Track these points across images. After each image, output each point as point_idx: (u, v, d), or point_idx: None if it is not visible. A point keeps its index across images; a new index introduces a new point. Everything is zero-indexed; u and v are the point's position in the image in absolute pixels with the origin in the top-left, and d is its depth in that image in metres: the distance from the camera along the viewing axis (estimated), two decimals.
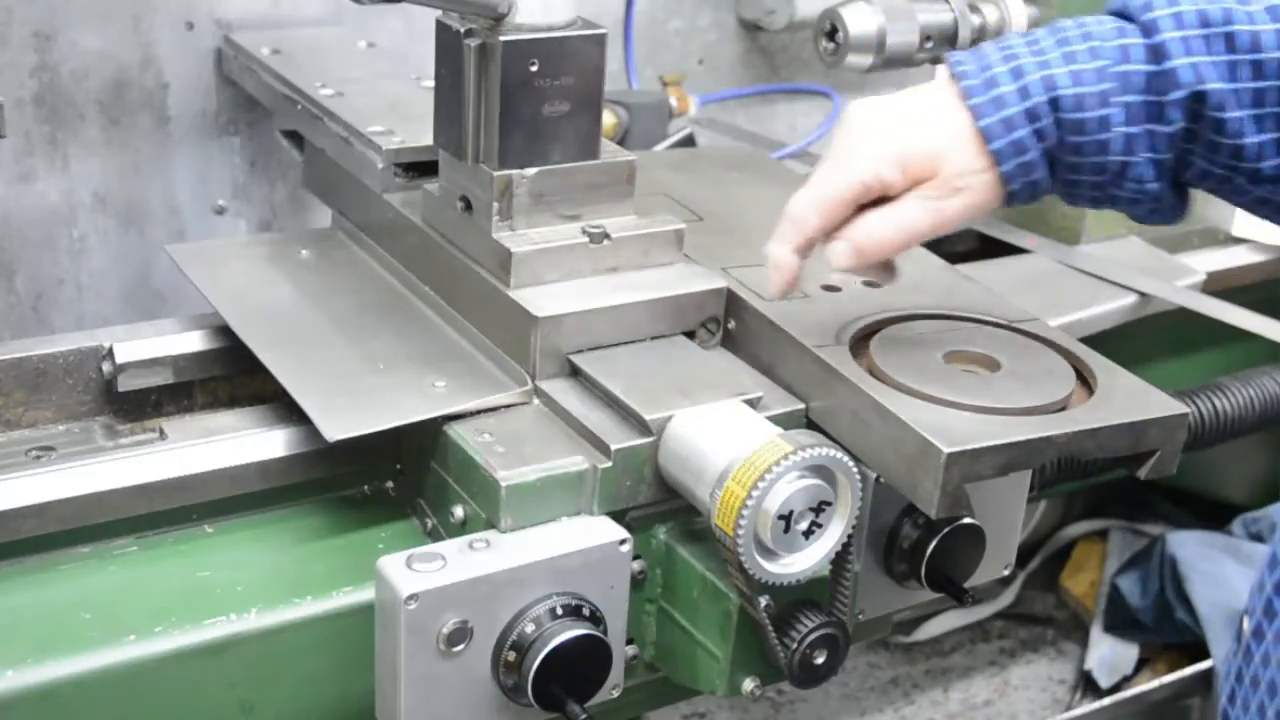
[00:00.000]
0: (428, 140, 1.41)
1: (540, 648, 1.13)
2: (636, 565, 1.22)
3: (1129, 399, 1.28)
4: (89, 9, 1.72)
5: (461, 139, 1.32)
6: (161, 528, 1.26)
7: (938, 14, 1.69)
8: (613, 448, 1.20)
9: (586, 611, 1.16)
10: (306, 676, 1.20)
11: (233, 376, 1.47)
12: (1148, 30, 1.09)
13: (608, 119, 1.86)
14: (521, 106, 1.29)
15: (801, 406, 1.28)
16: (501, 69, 1.27)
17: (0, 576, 1.19)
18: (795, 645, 1.19)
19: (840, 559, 1.21)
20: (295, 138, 1.68)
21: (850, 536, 1.19)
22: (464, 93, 1.29)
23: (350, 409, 1.25)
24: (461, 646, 1.12)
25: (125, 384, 1.42)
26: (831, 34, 1.67)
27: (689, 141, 1.98)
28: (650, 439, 1.21)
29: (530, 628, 1.13)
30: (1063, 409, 1.24)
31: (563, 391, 1.28)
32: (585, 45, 1.31)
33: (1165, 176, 1.12)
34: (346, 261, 1.54)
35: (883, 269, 1.21)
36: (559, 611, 1.14)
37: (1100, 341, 1.43)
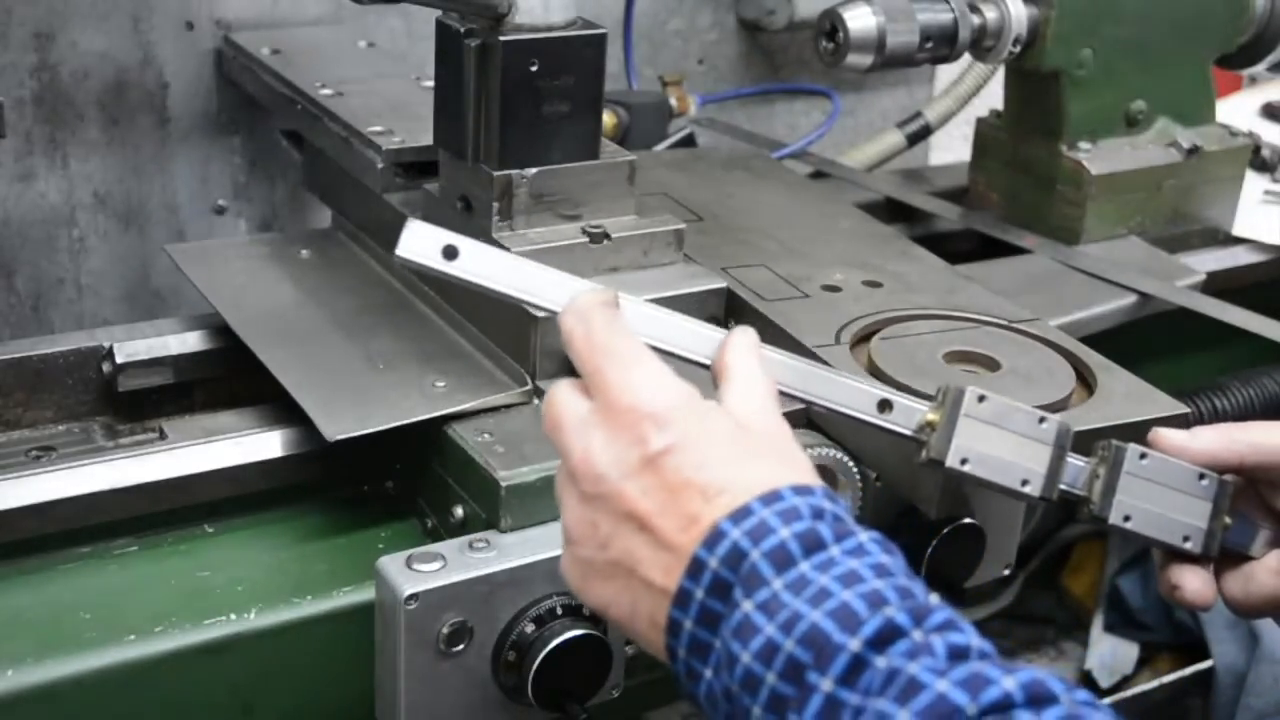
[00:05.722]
0: (428, 140, 1.41)
1: (540, 648, 1.13)
2: None
3: (1129, 399, 1.28)
4: (89, 9, 1.72)
5: (461, 139, 1.32)
6: (161, 528, 1.26)
7: (938, 14, 1.68)
8: None
9: (586, 611, 1.16)
10: (306, 676, 1.20)
11: (233, 376, 1.47)
12: None
13: (608, 119, 1.86)
14: (521, 106, 1.29)
15: (802, 406, 1.28)
16: (501, 69, 1.27)
17: (0, 576, 1.19)
18: None
19: None
20: (295, 138, 1.68)
21: None
22: (464, 93, 1.29)
23: (350, 409, 1.25)
24: (461, 646, 1.12)
25: (125, 384, 1.42)
26: (831, 34, 1.67)
27: (689, 141, 1.98)
28: None
29: (530, 628, 1.13)
30: (1063, 409, 1.24)
31: None
32: (585, 45, 1.31)
33: None
34: (346, 261, 1.54)
35: None
36: (559, 611, 1.14)
37: (1100, 341, 1.43)
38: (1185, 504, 1.10)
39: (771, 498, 0.87)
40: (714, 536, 0.87)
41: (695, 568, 0.87)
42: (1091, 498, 1.09)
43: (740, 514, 0.87)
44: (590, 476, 0.92)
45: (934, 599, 0.85)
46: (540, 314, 1.02)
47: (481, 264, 1.00)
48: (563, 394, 0.96)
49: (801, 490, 0.88)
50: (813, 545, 0.86)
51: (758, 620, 0.84)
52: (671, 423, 0.91)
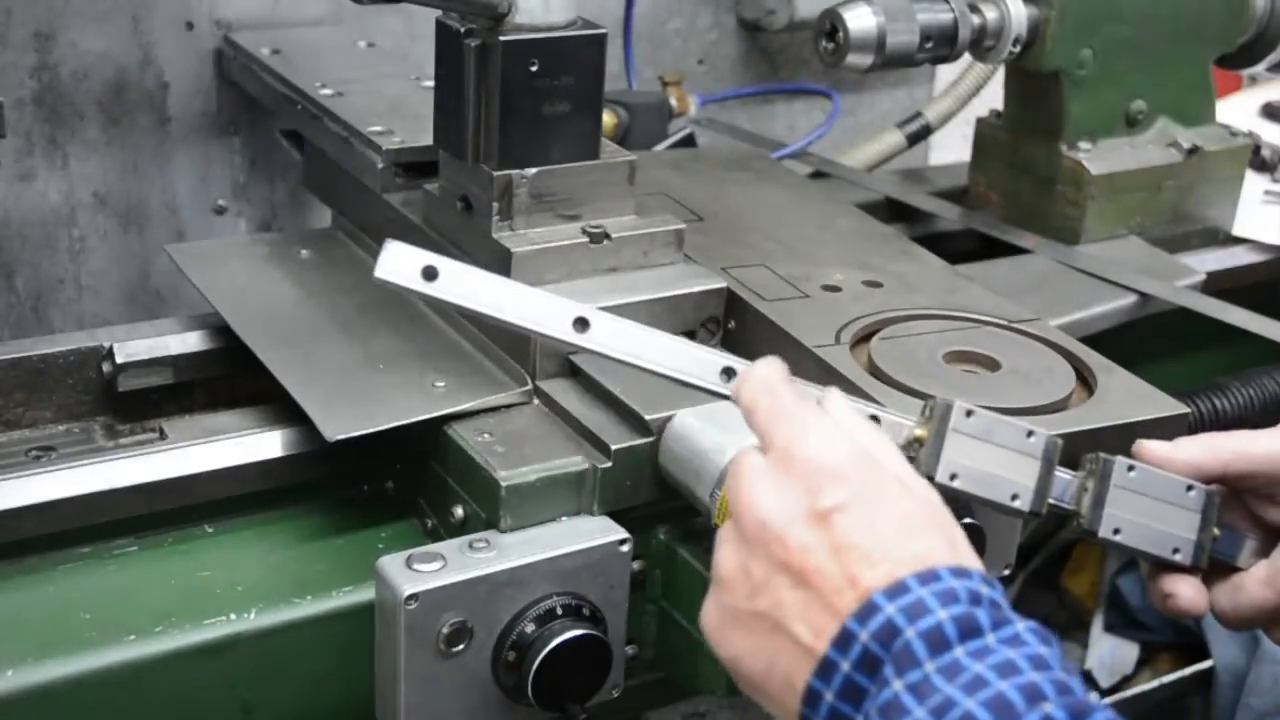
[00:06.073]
0: (428, 140, 1.41)
1: (540, 648, 1.13)
2: (636, 565, 1.22)
3: (1129, 399, 1.28)
4: (89, 9, 1.72)
5: (461, 139, 1.32)
6: (161, 528, 1.26)
7: (938, 14, 1.68)
8: (613, 448, 1.20)
9: (586, 611, 1.16)
10: (306, 676, 1.20)
11: (233, 376, 1.47)
12: None
13: (608, 119, 1.86)
14: (521, 106, 1.29)
15: None
16: (501, 69, 1.27)
17: (0, 576, 1.19)
18: None
19: None
20: (295, 138, 1.68)
21: None
22: (464, 93, 1.29)
23: (350, 409, 1.25)
24: (461, 646, 1.12)
25: (125, 384, 1.42)
26: (831, 34, 1.67)
27: (689, 141, 1.98)
28: (650, 439, 1.21)
29: (530, 628, 1.13)
30: (1063, 409, 1.24)
31: (563, 391, 1.28)
32: (585, 45, 1.31)
33: None
34: (346, 261, 1.54)
35: None
36: (559, 611, 1.14)
37: (1100, 341, 1.43)
38: (1174, 516, 1.10)
39: (929, 577, 0.85)
40: (867, 609, 0.85)
41: (844, 638, 0.85)
42: (1081, 511, 1.08)
43: (896, 589, 0.85)
44: (753, 521, 0.90)
45: (1094, 697, 0.83)
46: (524, 334, 1.02)
47: (462, 284, 1.00)
48: (746, 453, 0.95)
49: (960, 573, 0.86)
50: (969, 631, 0.84)
51: (907, 702, 0.82)
52: (846, 479, 0.89)
